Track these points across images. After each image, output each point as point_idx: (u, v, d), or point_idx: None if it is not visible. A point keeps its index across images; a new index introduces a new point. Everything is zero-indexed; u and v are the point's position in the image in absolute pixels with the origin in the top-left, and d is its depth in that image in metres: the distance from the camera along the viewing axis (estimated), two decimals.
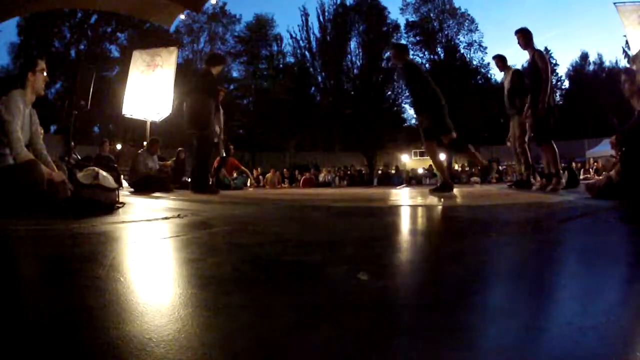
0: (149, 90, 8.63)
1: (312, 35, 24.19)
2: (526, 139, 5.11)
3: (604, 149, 14.41)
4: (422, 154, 25.71)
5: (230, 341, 0.55)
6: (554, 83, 4.53)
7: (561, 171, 4.51)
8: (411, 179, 14.88)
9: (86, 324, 0.60)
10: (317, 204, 3.37)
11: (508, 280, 0.93)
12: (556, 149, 4.42)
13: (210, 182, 5.43)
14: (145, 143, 7.34)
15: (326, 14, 24.19)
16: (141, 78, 8.79)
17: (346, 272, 0.92)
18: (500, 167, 14.86)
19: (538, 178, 5.47)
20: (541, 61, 4.32)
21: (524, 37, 4.47)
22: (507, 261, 1.13)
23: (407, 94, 24.11)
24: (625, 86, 3.29)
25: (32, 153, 2.48)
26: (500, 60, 5.60)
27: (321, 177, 14.78)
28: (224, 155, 5.94)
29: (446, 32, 24.46)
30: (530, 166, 5.30)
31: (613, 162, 5.32)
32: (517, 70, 5.46)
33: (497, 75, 24.34)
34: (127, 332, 0.56)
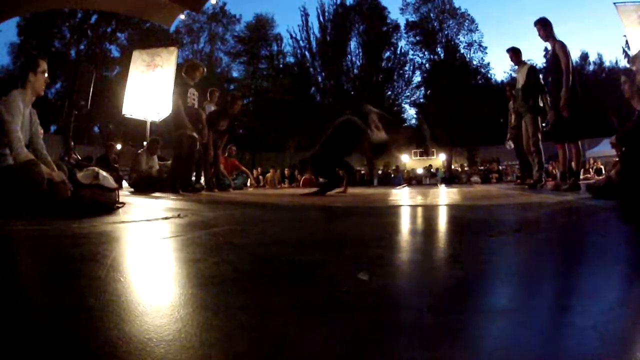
0: (149, 90, 8.63)
1: (312, 35, 24.21)
2: (539, 137, 5.01)
3: (604, 149, 14.41)
4: (421, 154, 25.75)
5: (230, 341, 0.55)
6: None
7: (566, 172, 4.45)
8: (411, 179, 14.89)
9: (86, 324, 0.60)
10: (317, 204, 3.37)
11: (508, 280, 0.93)
12: (580, 148, 4.25)
13: (198, 182, 5.54)
14: (145, 143, 7.35)
15: (326, 14, 24.21)
16: (141, 78, 8.79)
17: (346, 272, 0.92)
18: (500, 167, 14.86)
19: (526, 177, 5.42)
20: (562, 52, 4.09)
21: (544, 27, 4.26)
22: (507, 261, 1.13)
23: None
24: (625, 87, 3.29)
25: (32, 153, 2.48)
26: (515, 54, 5.35)
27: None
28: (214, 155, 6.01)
29: (446, 32, 24.45)
30: (543, 166, 5.15)
31: (613, 162, 5.30)
32: (532, 67, 5.28)
33: (497, 75, 24.42)
34: (127, 332, 0.56)
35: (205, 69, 5.60)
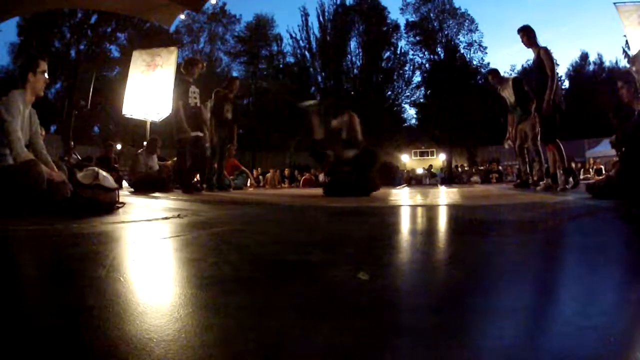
0: (149, 90, 8.63)
1: (312, 35, 24.21)
2: (538, 139, 5.11)
3: (604, 149, 14.43)
4: (421, 154, 25.77)
5: (230, 341, 0.55)
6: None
7: (560, 171, 4.50)
8: (411, 179, 14.89)
9: (86, 324, 0.60)
10: (317, 204, 3.37)
11: (508, 280, 0.93)
12: (562, 147, 4.39)
13: (202, 182, 5.53)
14: (145, 143, 7.35)
15: (326, 14, 24.20)
16: (141, 78, 8.78)
17: (346, 272, 0.92)
18: (500, 167, 14.87)
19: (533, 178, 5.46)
20: (547, 58, 4.26)
21: (527, 35, 4.43)
22: (507, 261, 1.13)
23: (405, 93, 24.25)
24: (622, 92, 3.31)
25: (32, 153, 2.48)
26: (496, 75, 5.62)
27: (321, 177, 14.75)
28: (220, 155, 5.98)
29: (446, 32, 24.42)
30: (543, 166, 5.27)
31: (613, 162, 5.35)
32: (515, 79, 5.48)
33: None
34: (127, 332, 0.56)
35: (204, 64, 5.59)
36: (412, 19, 24.82)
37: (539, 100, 4.35)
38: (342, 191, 3.99)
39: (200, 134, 5.17)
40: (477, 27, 24.46)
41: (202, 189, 5.48)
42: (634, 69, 4.21)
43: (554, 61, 4.33)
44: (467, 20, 24.50)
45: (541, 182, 4.88)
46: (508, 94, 5.37)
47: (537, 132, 5.06)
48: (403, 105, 25.33)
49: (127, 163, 7.56)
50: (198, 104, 5.24)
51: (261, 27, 25.11)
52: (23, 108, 2.48)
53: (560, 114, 4.27)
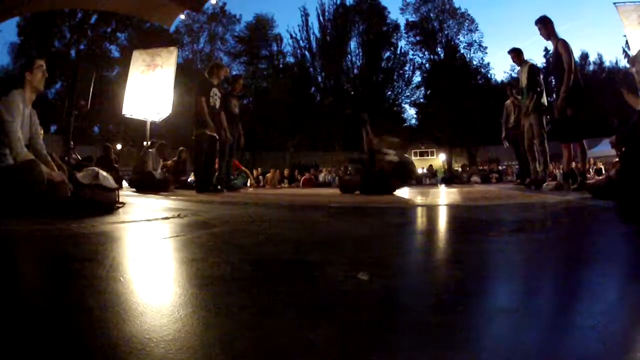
0: (149, 90, 8.62)
1: (312, 35, 24.22)
2: (545, 137, 4.92)
3: (604, 149, 14.42)
4: (421, 154, 25.77)
5: (230, 341, 0.55)
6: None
7: (570, 172, 4.42)
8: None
9: (86, 324, 0.60)
10: (317, 204, 3.37)
11: (508, 280, 0.93)
12: (586, 149, 4.20)
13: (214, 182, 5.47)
14: (145, 143, 7.34)
15: (326, 14, 24.20)
16: (141, 78, 8.77)
17: (346, 272, 0.92)
18: (500, 167, 14.86)
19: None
20: (564, 51, 4.00)
21: (545, 26, 4.18)
22: (507, 261, 1.13)
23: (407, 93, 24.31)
24: (628, 98, 3.31)
25: (32, 153, 2.48)
26: (517, 55, 5.31)
27: (321, 177, 14.75)
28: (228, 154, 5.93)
29: (446, 32, 24.42)
30: (548, 165, 5.08)
31: (613, 162, 5.30)
32: (532, 65, 5.19)
33: (497, 75, 24.37)
34: (127, 332, 0.56)
35: (228, 70, 5.62)
36: (412, 19, 24.83)
37: (557, 96, 4.11)
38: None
39: (217, 136, 5.14)
40: (477, 27, 24.47)
41: (221, 189, 5.35)
42: (634, 69, 4.14)
43: (572, 54, 4.02)
44: (467, 20, 24.49)
45: (543, 183, 4.80)
46: (522, 77, 5.12)
47: (541, 129, 4.87)
48: (403, 105, 25.35)
49: (127, 163, 7.56)
50: (217, 106, 5.21)
51: (261, 27, 25.08)
52: (23, 108, 2.48)
53: (582, 112, 4.03)
